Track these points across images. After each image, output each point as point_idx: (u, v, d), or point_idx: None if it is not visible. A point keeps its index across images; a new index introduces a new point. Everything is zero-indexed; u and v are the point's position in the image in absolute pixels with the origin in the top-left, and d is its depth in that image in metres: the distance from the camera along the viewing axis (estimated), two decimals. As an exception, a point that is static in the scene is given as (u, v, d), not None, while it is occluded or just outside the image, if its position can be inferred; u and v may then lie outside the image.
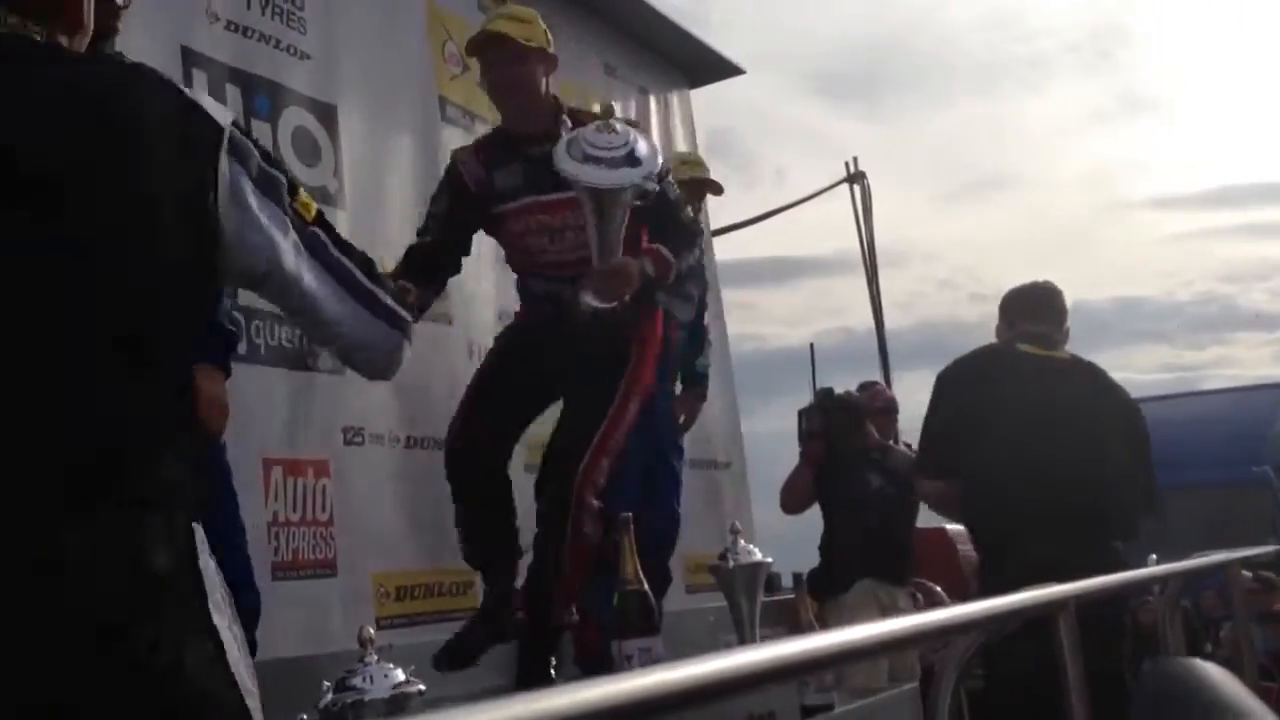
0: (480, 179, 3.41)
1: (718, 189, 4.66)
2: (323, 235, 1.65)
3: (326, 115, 4.29)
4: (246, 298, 3.49)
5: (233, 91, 3.87)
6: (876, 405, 5.38)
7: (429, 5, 5.08)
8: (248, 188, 1.54)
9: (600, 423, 3.29)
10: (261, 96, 3.99)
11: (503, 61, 3.38)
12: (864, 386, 5.63)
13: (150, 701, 1.35)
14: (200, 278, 1.54)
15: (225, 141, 1.53)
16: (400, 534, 4.09)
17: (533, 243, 3.43)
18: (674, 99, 6.90)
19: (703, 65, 7.06)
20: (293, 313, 1.72)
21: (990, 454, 3.78)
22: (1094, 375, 4.07)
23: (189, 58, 3.74)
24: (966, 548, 8.41)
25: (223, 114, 1.57)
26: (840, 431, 4.96)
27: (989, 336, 4.22)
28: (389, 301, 1.69)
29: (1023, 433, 3.76)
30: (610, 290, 3.10)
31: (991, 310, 4.24)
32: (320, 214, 1.67)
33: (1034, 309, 4.07)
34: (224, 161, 1.52)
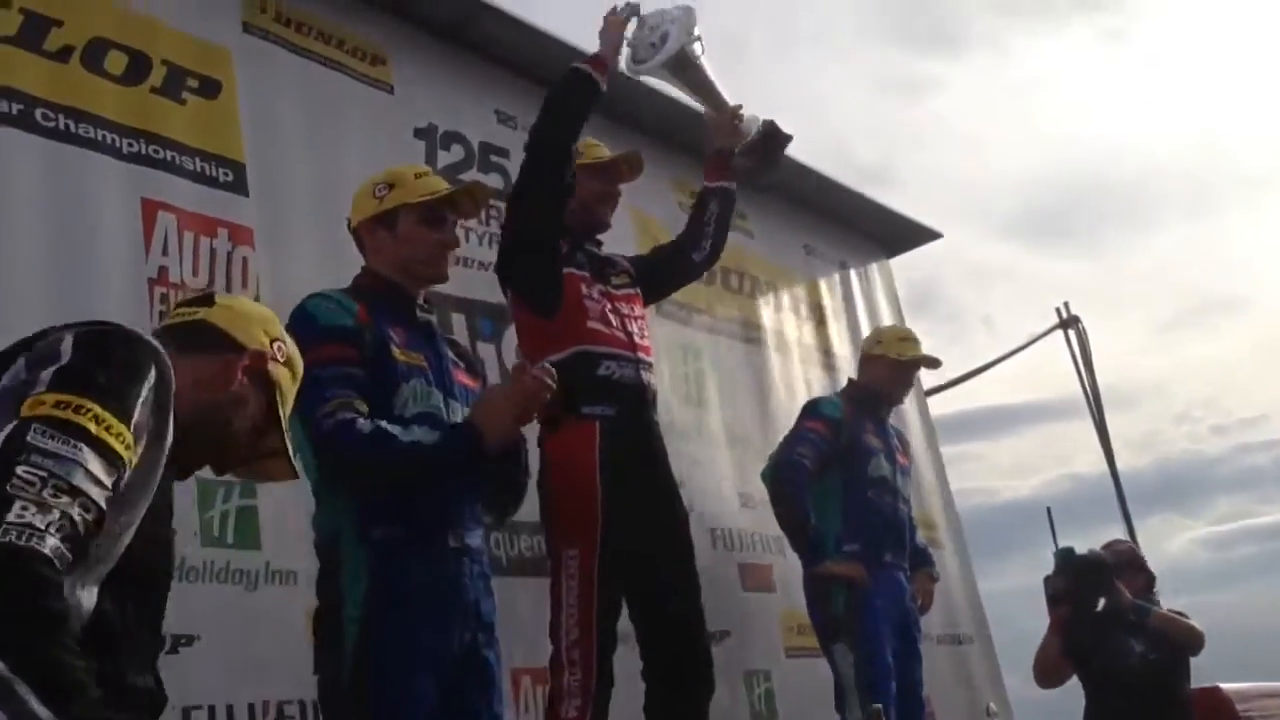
0: None
1: (935, 363, 4.61)
2: None
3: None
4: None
5: (458, 319, 4.12)
6: (1127, 562, 5.07)
7: (632, 210, 5.32)
8: None
9: None
10: (484, 319, 4.23)
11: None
12: (1110, 545, 5.33)
13: None
14: None
15: None
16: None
17: None
18: (874, 270, 6.95)
19: (900, 234, 7.12)
20: None
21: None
22: None
23: (447, 300, 4.02)
24: (1247, 707, 7.73)
25: None
26: (1088, 595, 4.69)
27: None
28: None
29: None
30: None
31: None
32: None
33: None
34: None
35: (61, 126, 3.19)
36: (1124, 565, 5.02)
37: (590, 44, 3.55)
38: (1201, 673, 4.76)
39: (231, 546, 3.12)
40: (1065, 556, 4.76)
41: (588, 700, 3.02)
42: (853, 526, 4.16)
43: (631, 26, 3.48)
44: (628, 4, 3.47)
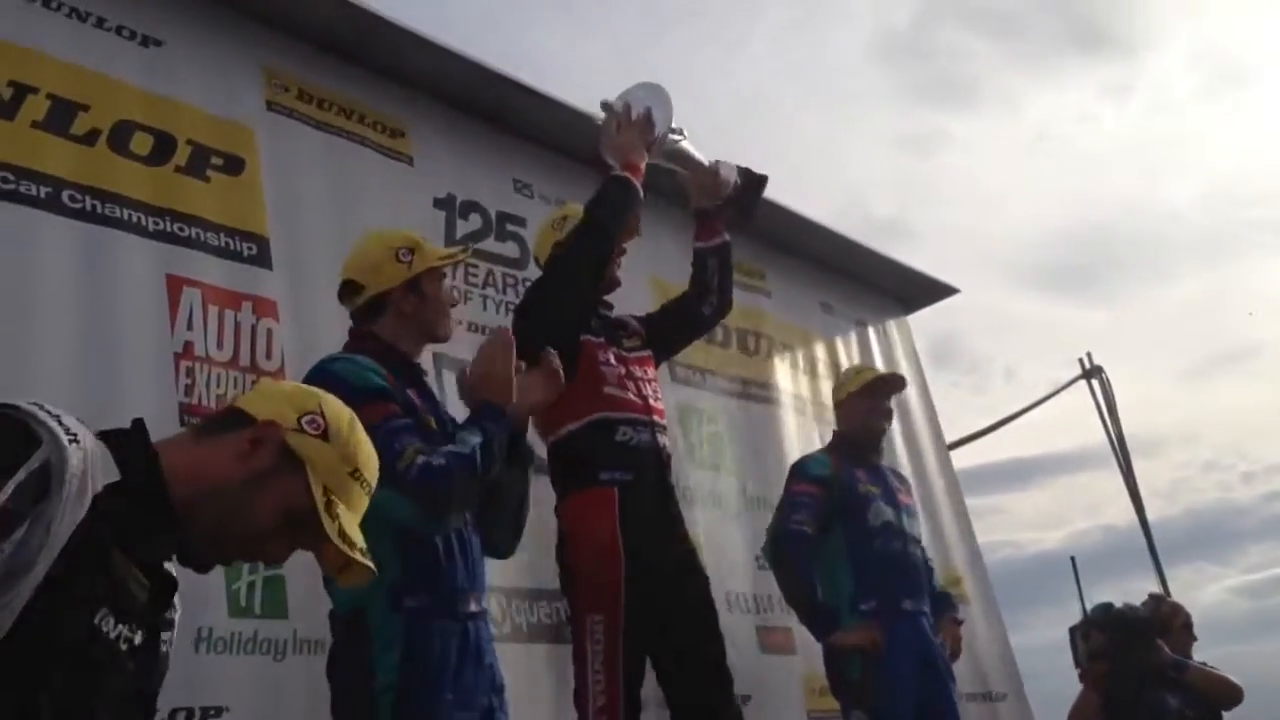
0: None
1: (898, 381, 4.51)
2: None
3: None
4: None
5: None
6: (1177, 622, 5.00)
7: (651, 277, 5.37)
8: None
9: None
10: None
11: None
12: (1155, 599, 5.25)
13: None
14: None
15: None
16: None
17: None
18: (892, 327, 6.97)
19: (917, 290, 7.14)
20: None
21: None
22: None
23: (438, 361, 4.06)
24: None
25: None
26: (1128, 651, 4.63)
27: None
28: None
29: None
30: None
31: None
32: None
33: None
34: None
35: (88, 207, 3.27)
36: (1175, 623, 4.97)
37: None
38: (1238, 724, 4.67)
39: (259, 616, 3.13)
40: (1103, 612, 4.71)
41: None
42: (865, 582, 4.03)
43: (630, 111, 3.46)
44: (622, 100, 3.44)
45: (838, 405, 4.44)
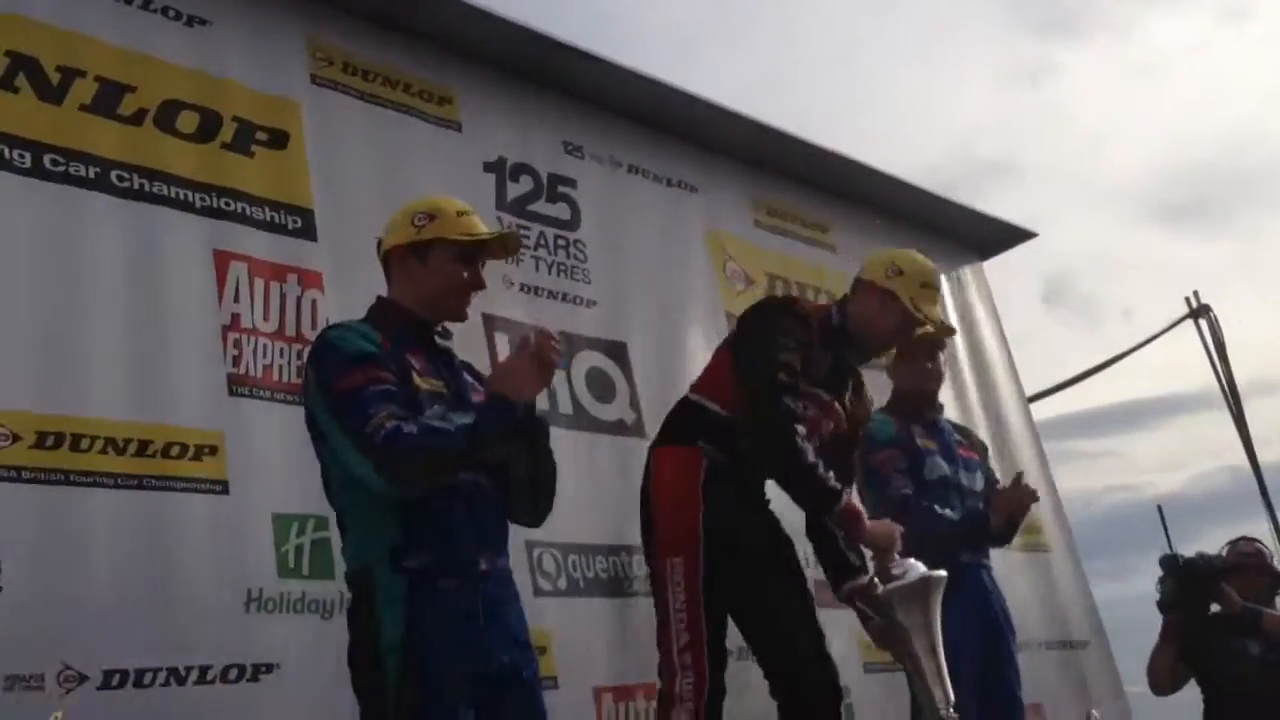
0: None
1: (940, 340, 4.32)
2: None
3: (617, 353, 4.57)
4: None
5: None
6: (1247, 564, 4.85)
7: (708, 231, 5.36)
8: None
9: None
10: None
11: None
12: (1235, 543, 5.08)
13: None
14: None
15: None
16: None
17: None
18: (967, 274, 6.83)
19: (993, 236, 6.99)
20: None
21: None
22: None
23: (489, 323, 4.12)
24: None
25: None
26: (1197, 600, 4.53)
27: None
28: None
29: None
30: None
31: None
32: None
33: None
34: None
35: (136, 186, 3.38)
36: (1247, 567, 4.83)
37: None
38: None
39: (307, 577, 3.24)
40: (1170, 563, 4.60)
41: (699, 705, 3.01)
42: (919, 539, 3.99)
43: None
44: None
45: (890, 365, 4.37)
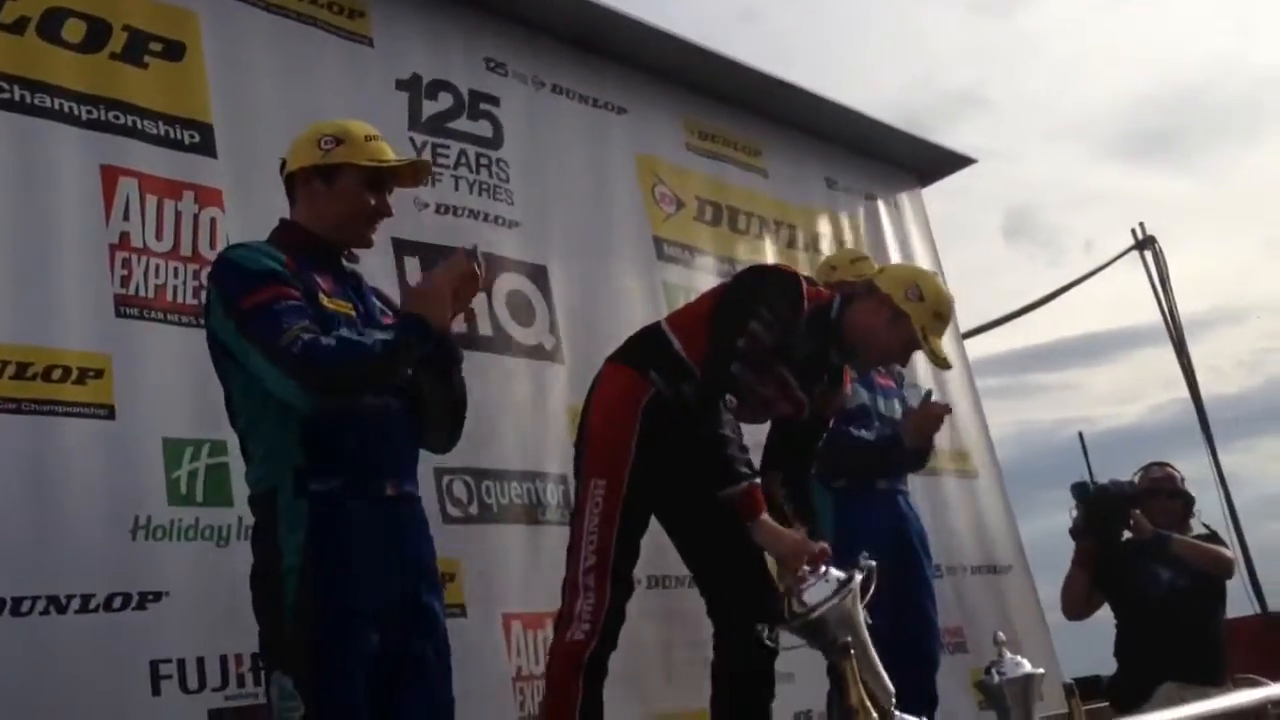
0: None
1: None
2: None
3: (538, 276, 4.49)
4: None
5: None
6: (1158, 489, 4.89)
7: (637, 154, 5.26)
8: None
9: None
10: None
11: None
12: (1149, 468, 5.11)
13: None
14: None
15: None
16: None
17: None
18: (904, 200, 6.78)
19: (932, 162, 6.93)
20: None
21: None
22: None
23: (400, 247, 4.02)
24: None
25: None
26: (1108, 527, 4.57)
27: None
28: None
29: None
30: None
31: None
32: None
33: None
34: None
35: (17, 98, 3.22)
36: (1159, 492, 4.86)
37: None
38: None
39: (201, 504, 3.17)
40: (1080, 490, 4.64)
41: (596, 626, 3.00)
42: (835, 461, 3.99)
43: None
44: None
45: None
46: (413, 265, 4.04)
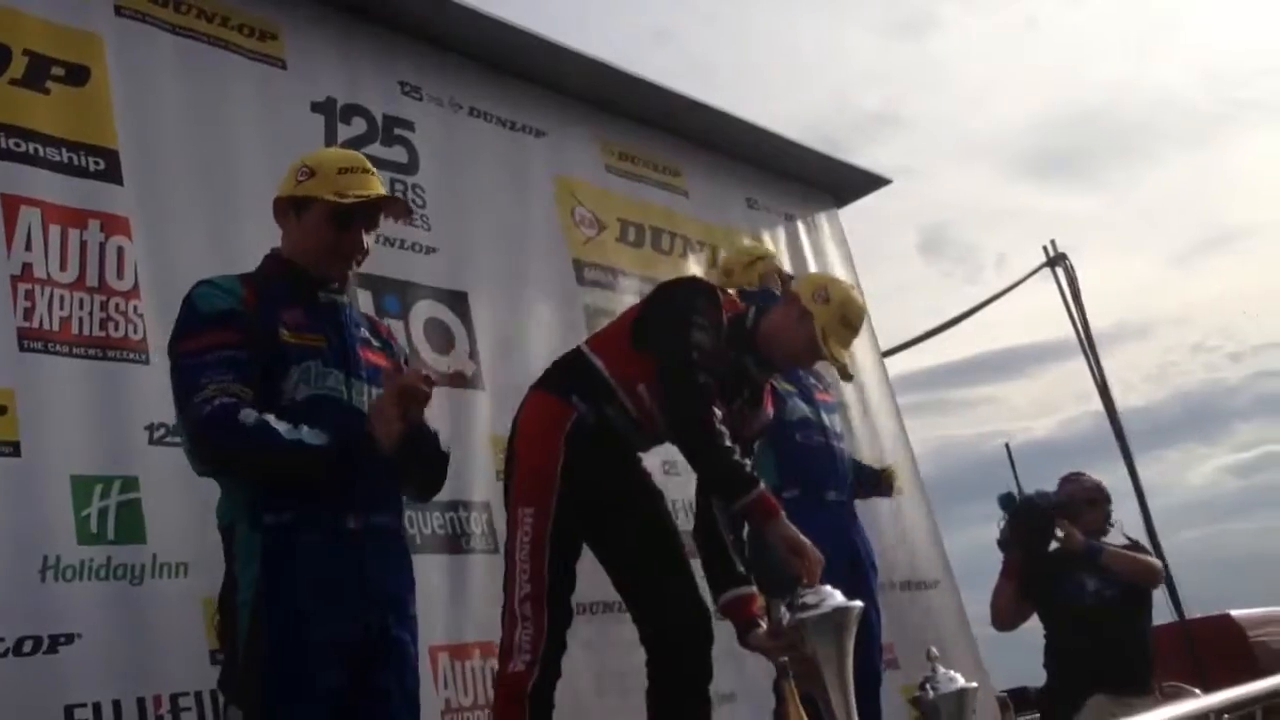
0: None
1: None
2: None
3: (457, 302, 4.42)
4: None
5: (364, 295, 4.03)
6: (1077, 498, 4.95)
7: (556, 176, 5.22)
8: None
9: None
10: (390, 296, 4.15)
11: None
12: (1068, 479, 5.19)
13: None
14: None
15: None
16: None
17: None
18: (822, 220, 6.83)
19: (848, 183, 7.00)
20: None
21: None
22: None
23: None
24: (1260, 633, 7.63)
25: None
26: (1035, 538, 4.62)
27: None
28: None
29: None
30: None
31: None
32: None
33: None
34: None
35: (-90, 125, 3.10)
36: (1081, 502, 4.93)
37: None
38: (1224, 599, 4.66)
39: (113, 542, 3.05)
40: (1006, 501, 4.69)
41: (536, 655, 2.97)
42: (787, 472, 4.00)
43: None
44: None
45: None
46: (364, 297, 3.98)
